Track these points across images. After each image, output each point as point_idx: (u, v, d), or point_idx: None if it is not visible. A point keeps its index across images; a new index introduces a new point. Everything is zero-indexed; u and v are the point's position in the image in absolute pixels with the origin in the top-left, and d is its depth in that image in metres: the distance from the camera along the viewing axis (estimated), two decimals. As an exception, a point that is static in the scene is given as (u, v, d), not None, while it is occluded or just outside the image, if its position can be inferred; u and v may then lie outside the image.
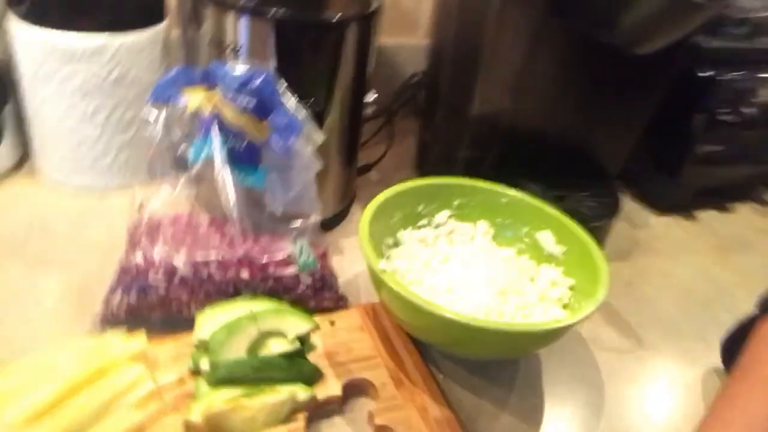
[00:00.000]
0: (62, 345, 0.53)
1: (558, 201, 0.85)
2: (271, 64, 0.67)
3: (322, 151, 0.73)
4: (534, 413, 0.60)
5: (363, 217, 0.63)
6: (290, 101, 0.62)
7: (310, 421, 0.56)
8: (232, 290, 0.61)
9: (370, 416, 0.55)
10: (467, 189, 0.73)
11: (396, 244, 0.70)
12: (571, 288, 0.65)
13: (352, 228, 0.84)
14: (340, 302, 0.67)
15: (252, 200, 0.68)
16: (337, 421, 0.57)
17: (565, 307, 0.64)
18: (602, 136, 0.90)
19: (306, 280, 0.64)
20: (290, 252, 0.63)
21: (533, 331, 0.55)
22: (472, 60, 0.79)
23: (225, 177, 0.63)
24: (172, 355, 0.56)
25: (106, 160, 0.81)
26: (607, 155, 0.92)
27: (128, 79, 0.76)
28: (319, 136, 0.66)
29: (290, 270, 0.63)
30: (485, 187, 0.72)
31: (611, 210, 0.86)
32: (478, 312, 0.60)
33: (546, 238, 0.69)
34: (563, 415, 0.61)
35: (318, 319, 0.63)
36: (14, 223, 0.75)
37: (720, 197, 1.03)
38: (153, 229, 0.62)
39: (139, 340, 0.54)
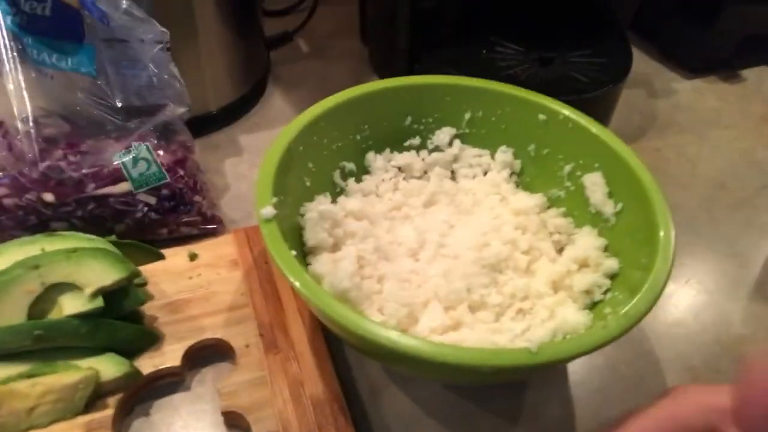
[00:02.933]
0: None
1: (544, 65, 0.62)
2: None
3: (186, 13, 0.52)
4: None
5: (282, 134, 0.41)
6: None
7: (140, 401, 0.39)
8: (35, 221, 0.43)
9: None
10: (483, 95, 0.47)
11: (362, 172, 0.48)
12: (612, 276, 0.39)
13: (261, 120, 0.63)
14: (209, 227, 0.48)
15: (81, 90, 0.48)
16: (179, 399, 0.40)
17: (593, 307, 0.39)
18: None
19: (148, 199, 0.45)
20: (119, 162, 0.44)
21: (499, 366, 0.30)
22: None
23: (8, 58, 0.43)
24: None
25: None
26: (615, -4, 0.66)
27: None
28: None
29: (121, 187, 0.44)
30: (512, 94, 0.46)
31: (618, 73, 0.62)
32: (448, 299, 0.38)
33: (595, 186, 0.43)
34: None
35: (172, 252, 0.45)
36: None
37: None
38: None
39: None
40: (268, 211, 0.35)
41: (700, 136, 0.66)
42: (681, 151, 0.63)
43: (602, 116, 0.64)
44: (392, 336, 0.30)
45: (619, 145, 0.42)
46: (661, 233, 0.36)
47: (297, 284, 0.32)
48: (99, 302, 0.37)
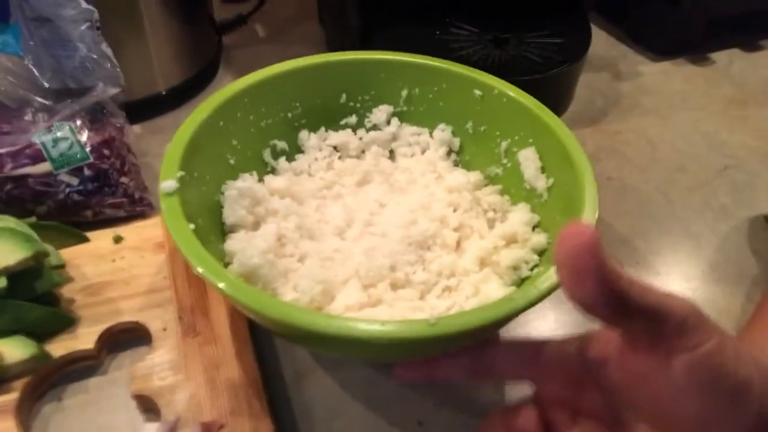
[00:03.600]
0: None
1: (499, 46, 0.61)
2: None
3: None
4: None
5: (198, 108, 0.39)
6: None
7: (53, 386, 0.38)
8: (-51, 202, 0.42)
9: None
10: (418, 71, 0.45)
11: (295, 152, 0.46)
12: (542, 252, 0.38)
13: (209, 102, 0.61)
14: (136, 209, 0.47)
15: (6, 71, 0.47)
16: (93, 384, 0.39)
17: (521, 283, 0.37)
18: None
19: (70, 180, 0.43)
20: (38, 141, 0.43)
21: (395, 337, 0.28)
22: None
23: None
24: None
25: None
26: (574, -25, 0.64)
27: None
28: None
29: (41, 168, 0.43)
30: (448, 70, 0.44)
31: (575, 54, 0.60)
32: (368, 276, 0.36)
33: (528, 161, 0.41)
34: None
35: (97, 234, 0.44)
36: None
37: (746, 31, 0.75)
38: None
39: None
40: (170, 184, 0.34)
41: (664, 118, 0.64)
42: (642, 134, 0.61)
43: (560, 98, 0.63)
44: (278, 306, 0.28)
45: (552, 118, 0.40)
46: (585, 206, 0.34)
47: (185, 252, 0.30)
48: (2, 283, 0.36)
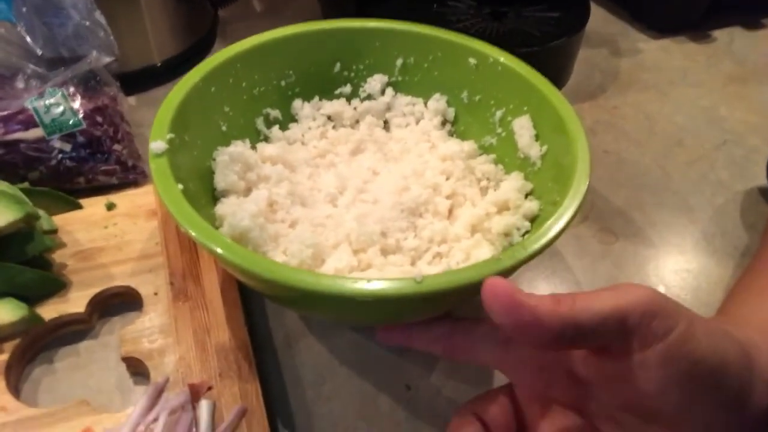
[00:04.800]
0: None
1: (496, 19, 0.60)
2: None
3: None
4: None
5: (191, 73, 0.39)
6: None
7: (45, 348, 0.38)
8: (-58, 167, 0.42)
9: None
10: (413, 40, 0.45)
11: (289, 120, 0.46)
12: (534, 219, 0.37)
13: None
14: (129, 176, 0.47)
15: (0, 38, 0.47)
16: (84, 348, 0.39)
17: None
18: None
19: (62, 146, 0.43)
20: (30, 107, 0.43)
21: (380, 294, 0.27)
22: None
23: None
24: None
25: None
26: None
27: None
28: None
29: (33, 133, 0.43)
30: (442, 38, 0.44)
31: (573, 28, 0.59)
32: (359, 241, 0.36)
33: (523, 129, 0.41)
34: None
35: (90, 201, 0.44)
36: None
37: (748, 8, 0.74)
38: None
39: None
40: (159, 145, 0.33)
41: (663, 94, 0.63)
42: (640, 109, 0.61)
43: (558, 72, 0.62)
44: (264, 263, 0.28)
45: (546, 85, 0.40)
46: (577, 170, 0.34)
47: (171, 208, 0.30)
48: (-9, 243, 0.36)
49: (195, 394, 0.34)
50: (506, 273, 0.29)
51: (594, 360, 0.27)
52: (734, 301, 0.35)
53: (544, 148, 0.40)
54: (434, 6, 0.61)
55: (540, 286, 0.45)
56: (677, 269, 0.46)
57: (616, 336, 0.24)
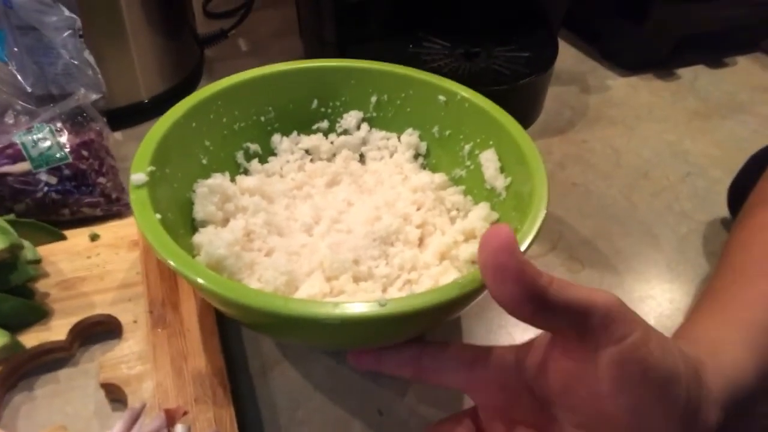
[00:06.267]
0: None
1: (468, 59, 0.63)
2: None
3: (112, 5, 0.53)
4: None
5: (172, 109, 0.41)
6: None
7: (26, 376, 0.39)
8: (-70, 199, 0.43)
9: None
10: (386, 78, 0.47)
11: (268, 154, 0.48)
12: None
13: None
14: (113, 208, 0.49)
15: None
16: (64, 375, 0.40)
17: None
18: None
19: (49, 179, 0.45)
20: (19, 141, 0.44)
21: (345, 317, 0.29)
22: None
23: None
24: None
25: None
26: (542, -7, 0.67)
27: None
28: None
29: (20, 167, 0.44)
30: (413, 77, 0.47)
31: (541, 66, 0.62)
32: (332, 268, 0.38)
33: (489, 162, 0.43)
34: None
35: (74, 232, 0.46)
36: None
37: (711, 48, 0.78)
38: None
39: None
40: (139, 177, 0.35)
41: (630, 128, 0.66)
42: (608, 143, 0.64)
43: (529, 108, 0.65)
44: (234, 288, 0.30)
45: (509, 120, 0.42)
46: (534, 199, 0.36)
47: (148, 237, 0.32)
48: (-24, 273, 0.37)
49: (170, 419, 0.35)
50: (468, 297, 0.31)
51: (554, 363, 0.28)
52: (688, 322, 0.36)
53: (509, 179, 0.42)
54: (410, 46, 0.64)
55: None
56: (641, 296, 0.48)
57: (576, 327, 0.25)
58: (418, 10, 0.65)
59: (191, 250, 0.38)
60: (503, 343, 0.43)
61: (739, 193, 0.51)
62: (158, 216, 0.34)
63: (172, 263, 0.31)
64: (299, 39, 0.75)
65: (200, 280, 0.30)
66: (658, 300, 0.47)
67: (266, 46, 0.75)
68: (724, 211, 0.54)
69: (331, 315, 0.29)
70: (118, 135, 0.59)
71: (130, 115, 0.61)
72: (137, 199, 0.34)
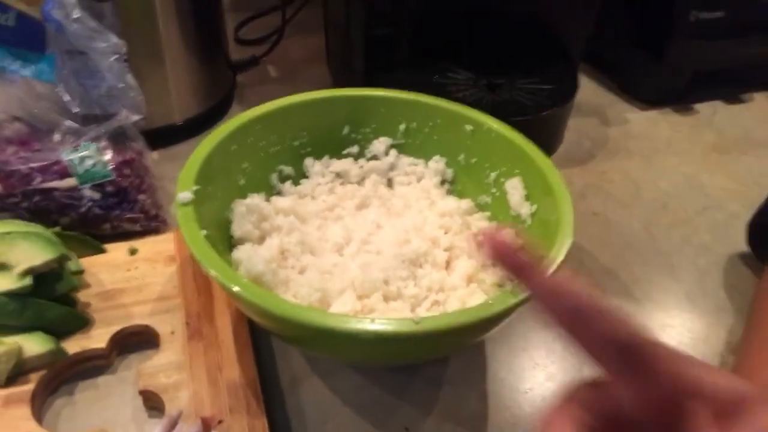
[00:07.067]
0: None
1: (491, 91, 0.65)
2: None
3: (151, 31, 0.56)
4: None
5: (215, 131, 0.44)
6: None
7: (66, 381, 0.41)
8: (-17, 210, 0.46)
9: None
10: (415, 107, 0.50)
11: (300, 177, 0.50)
12: None
13: (223, 133, 0.66)
14: (152, 224, 0.51)
15: (41, 96, 0.51)
16: (103, 382, 0.42)
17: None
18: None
19: (93, 195, 0.47)
20: (66, 158, 0.47)
21: (381, 333, 0.31)
22: None
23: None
24: None
25: None
26: (564, 28, 0.69)
27: None
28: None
29: (67, 182, 0.47)
30: (442, 107, 0.49)
31: (563, 99, 0.64)
32: (363, 287, 0.39)
33: (514, 190, 0.45)
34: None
35: (114, 246, 0.48)
36: None
37: (729, 84, 0.80)
38: None
39: None
40: (185, 195, 0.37)
41: (649, 160, 0.68)
42: (627, 174, 0.65)
43: (550, 139, 0.67)
44: (264, 296, 0.32)
45: (534, 151, 0.44)
46: (561, 228, 0.38)
47: (195, 252, 0.34)
48: (28, 281, 0.39)
49: (206, 426, 0.36)
50: (498, 318, 0.32)
51: None
52: (749, 358, 0.35)
53: (534, 207, 0.43)
54: (435, 77, 0.67)
55: (534, 338, 0.47)
56: (660, 324, 0.49)
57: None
58: (443, 41, 0.68)
59: (229, 266, 0.40)
60: (525, 366, 0.45)
61: (759, 229, 0.52)
62: (204, 232, 0.36)
63: (217, 276, 0.33)
64: (326, 66, 0.78)
65: (245, 294, 0.32)
66: (678, 329, 0.49)
67: (295, 73, 0.78)
68: (742, 245, 0.55)
69: (367, 330, 0.30)
70: (153, 154, 0.62)
71: (165, 136, 0.63)
72: (184, 215, 0.36)
